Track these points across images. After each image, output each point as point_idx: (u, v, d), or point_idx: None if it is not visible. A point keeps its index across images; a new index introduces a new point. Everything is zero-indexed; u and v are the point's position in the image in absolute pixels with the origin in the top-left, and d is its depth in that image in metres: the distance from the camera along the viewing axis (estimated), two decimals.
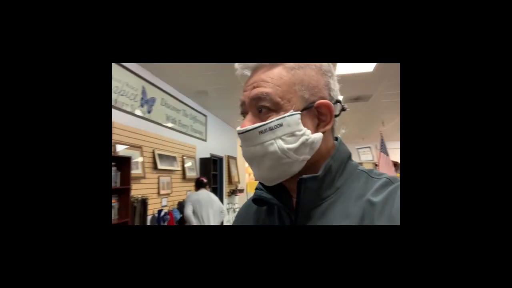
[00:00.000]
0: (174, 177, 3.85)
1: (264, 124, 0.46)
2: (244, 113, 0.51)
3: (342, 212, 0.46)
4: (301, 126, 0.46)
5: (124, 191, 2.65)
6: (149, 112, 3.38)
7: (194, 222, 3.12)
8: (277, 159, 0.46)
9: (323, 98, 0.49)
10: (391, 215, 0.42)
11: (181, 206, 3.74)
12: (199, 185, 3.35)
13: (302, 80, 0.48)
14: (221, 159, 5.70)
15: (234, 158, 6.74)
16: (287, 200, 0.52)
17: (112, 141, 2.67)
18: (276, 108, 0.47)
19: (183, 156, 4.14)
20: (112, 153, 2.27)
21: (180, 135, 4.13)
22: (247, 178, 8.00)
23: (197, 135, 4.74)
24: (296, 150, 0.46)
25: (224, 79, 3.67)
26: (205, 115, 5.11)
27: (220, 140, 5.94)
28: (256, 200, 0.53)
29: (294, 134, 0.46)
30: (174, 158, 3.85)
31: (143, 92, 3.28)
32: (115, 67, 2.80)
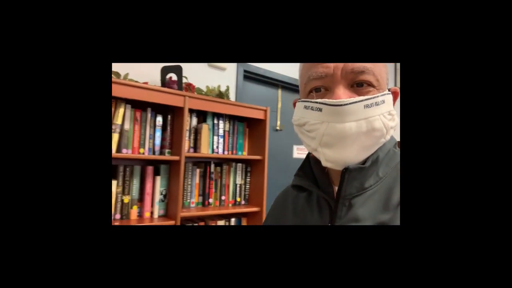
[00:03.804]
0: None
1: (370, 98, 0.43)
2: (320, 87, 0.47)
3: (383, 203, 0.45)
4: (393, 107, 0.46)
5: None
6: None
7: None
8: (377, 137, 0.44)
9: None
10: None
11: None
12: None
13: (385, 65, 0.48)
14: None
15: None
16: (328, 188, 0.49)
17: None
18: (376, 84, 0.45)
19: None
20: None
21: None
22: None
23: None
24: (392, 129, 0.45)
25: None
26: None
27: None
28: (295, 186, 0.53)
29: (390, 113, 0.45)
30: None
31: None
32: None
